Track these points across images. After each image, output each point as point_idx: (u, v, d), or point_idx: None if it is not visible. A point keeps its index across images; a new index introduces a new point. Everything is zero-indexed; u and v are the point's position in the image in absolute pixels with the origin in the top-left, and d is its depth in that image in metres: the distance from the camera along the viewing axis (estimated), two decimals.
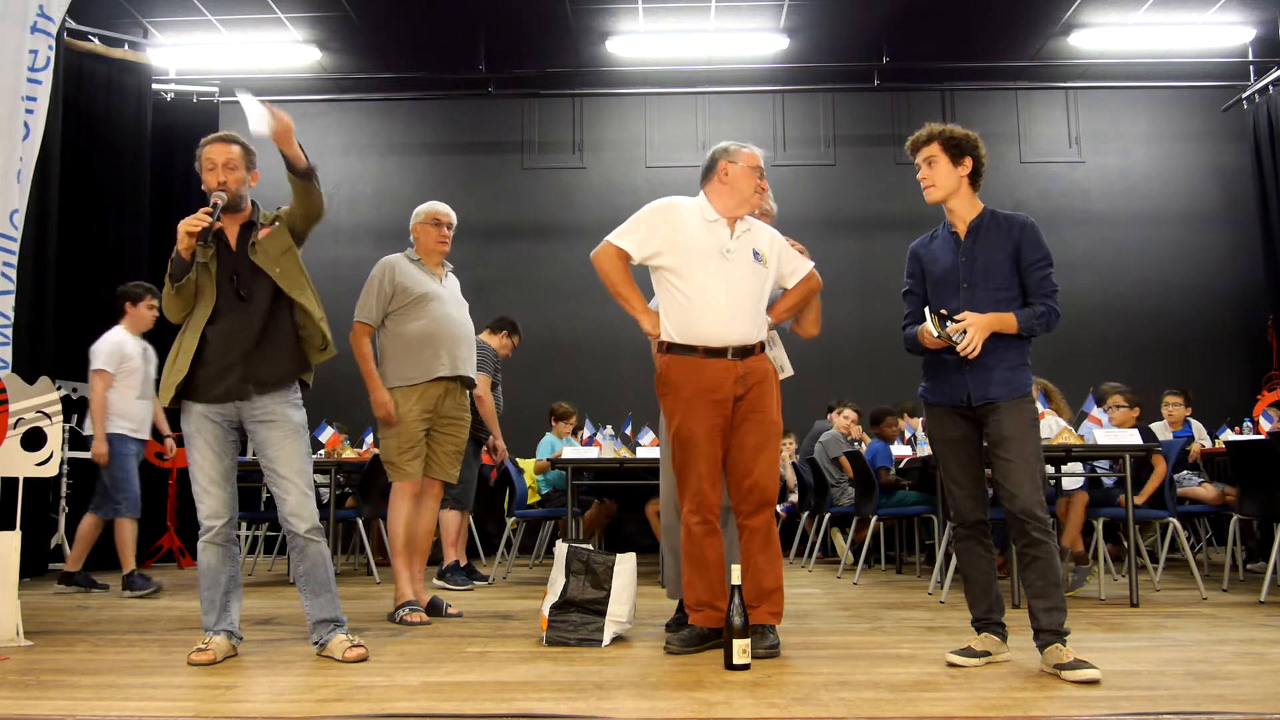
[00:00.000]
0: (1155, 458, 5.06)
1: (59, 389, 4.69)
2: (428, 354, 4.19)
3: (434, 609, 4.24)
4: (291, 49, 8.28)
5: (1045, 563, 2.91)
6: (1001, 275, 3.03)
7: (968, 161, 3.09)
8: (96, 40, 7.12)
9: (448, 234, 4.44)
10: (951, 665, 2.98)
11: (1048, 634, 2.90)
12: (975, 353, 2.92)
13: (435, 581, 5.50)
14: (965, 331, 2.92)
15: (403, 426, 4.16)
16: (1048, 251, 3.06)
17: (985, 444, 3.09)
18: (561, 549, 3.68)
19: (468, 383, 4.37)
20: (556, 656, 3.24)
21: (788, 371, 3.67)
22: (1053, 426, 4.79)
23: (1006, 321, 2.97)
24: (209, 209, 3.17)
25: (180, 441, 3.74)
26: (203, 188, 3.31)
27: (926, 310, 3.03)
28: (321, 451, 6.16)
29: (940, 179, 3.11)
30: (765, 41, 8.24)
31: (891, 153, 9.05)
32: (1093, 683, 2.70)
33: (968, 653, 3.02)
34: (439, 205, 4.48)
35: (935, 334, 2.95)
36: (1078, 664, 2.77)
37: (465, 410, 4.36)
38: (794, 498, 7.80)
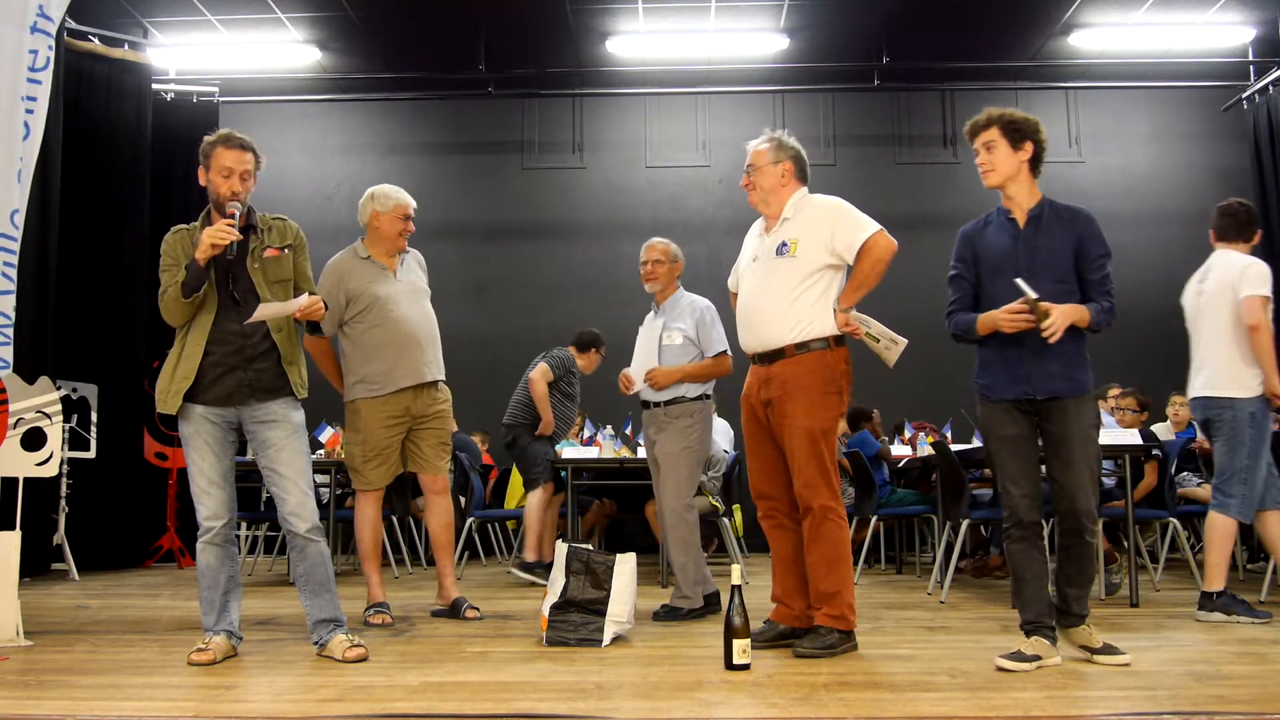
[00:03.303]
0: (1149, 465, 5.06)
1: (59, 389, 4.68)
2: (387, 364, 4.06)
3: (455, 609, 4.21)
4: (291, 49, 8.28)
5: (1090, 558, 3.03)
6: (1063, 268, 3.01)
7: (1028, 146, 3.05)
8: (96, 40, 7.12)
9: (410, 227, 4.28)
10: (1001, 670, 2.90)
11: (1076, 617, 3.04)
12: (1057, 337, 2.89)
13: (518, 574, 5.60)
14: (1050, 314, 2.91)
15: (366, 435, 4.08)
16: (1109, 249, 3.06)
17: (1041, 440, 3.06)
18: (561, 549, 3.68)
19: (439, 380, 4.26)
20: (556, 656, 3.24)
21: (889, 349, 3.35)
22: None
23: (1080, 314, 2.95)
24: (230, 220, 3.15)
25: None
26: (204, 183, 3.28)
27: (1021, 282, 2.92)
28: (321, 451, 6.16)
29: (999, 164, 3.06)
30: (765, 41, 8.24)
31: (891, 152, 9.05)
32: (1126, 666, 2.92)
33: (1018, 657, 2.93)
34: (403, 194, 4.29)
35: (1034, 298, 2.89)
36: (1109, 649, 2.95)
37: (444, 403, 4.26)
38: None
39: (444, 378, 4.30)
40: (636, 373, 4.31)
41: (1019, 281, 2.93)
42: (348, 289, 4.12)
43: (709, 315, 4.33)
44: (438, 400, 4.24)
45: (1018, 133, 3.04)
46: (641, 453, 5.80)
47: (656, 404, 4.28)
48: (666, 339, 4.29)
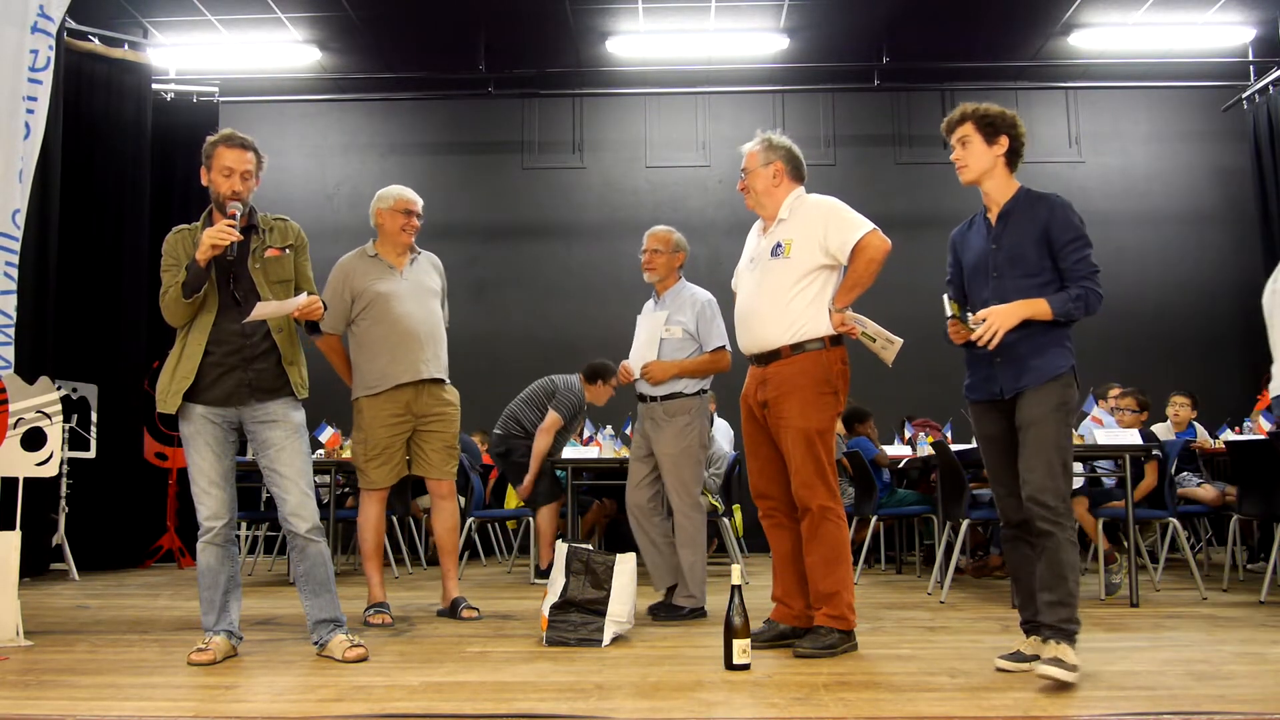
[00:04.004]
0: (1149, 465, 5.05)
1: (59, 389, 4.68)
2: (385, 360, 4.07)
3: (453, 609, 4.21)
4: (291, 49, 8.27)
5: (1052, 554, 2.77)
6: (1030, 261, 2.90)
7: (1003, 140, 2.97)
8: (96, 40, 7.12)
9: (415, 223, 4.23)
10: (1001, 670, 2.89)
11: (1049, 629, 2.76)
12: (994, 344, 2.82)
13: (541, 583, 5.62)
14: (984, 321, 2.83)
15: (368, 434, 4.10)
16: (1081, 231, 2.88)
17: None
18: (561, 549, 3.68)
19: (441, 380, 4.23)
20: (556, 656, 3.24)
21: (886, 349, 3.37)
22: None
23: (1038, 308, 2.83)
24: (230, 222, 3.15)
25: None
26: (206, 183, 3.28)
27: (945, 298, 2.93)
28: (321, 451, 6.16)
29: (973, 159, 2.99)
30: (765, 41, 8.23)
31: (891, 153, 9.05)
32: (1058, 684, 2.61)
33: (1016, 657, 2.91)
34: (405, 191, 4.27)
35: (948, 315, 2.87)
36: (1055, 661, 2.65)
37: (448, 404, 4.24)
38: None
39: (445, 377, 4.27)
40: (635, 364, 4.29)
41: (944, 298, 2.95)
42: (353, 287, 4.14)
43: (710, 309, 4.28)
44: (442, 401, 4.21)
45: (991, 127, 2.97)
46: None
47: (653, 399, 4.24)
48: (666, 332, 4.24)
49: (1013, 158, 3.01)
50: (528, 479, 5.80)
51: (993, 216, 3.02)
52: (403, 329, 4.10)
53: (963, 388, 3.11)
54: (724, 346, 4.24)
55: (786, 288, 3.33)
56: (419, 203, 4.29)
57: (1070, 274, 2.87)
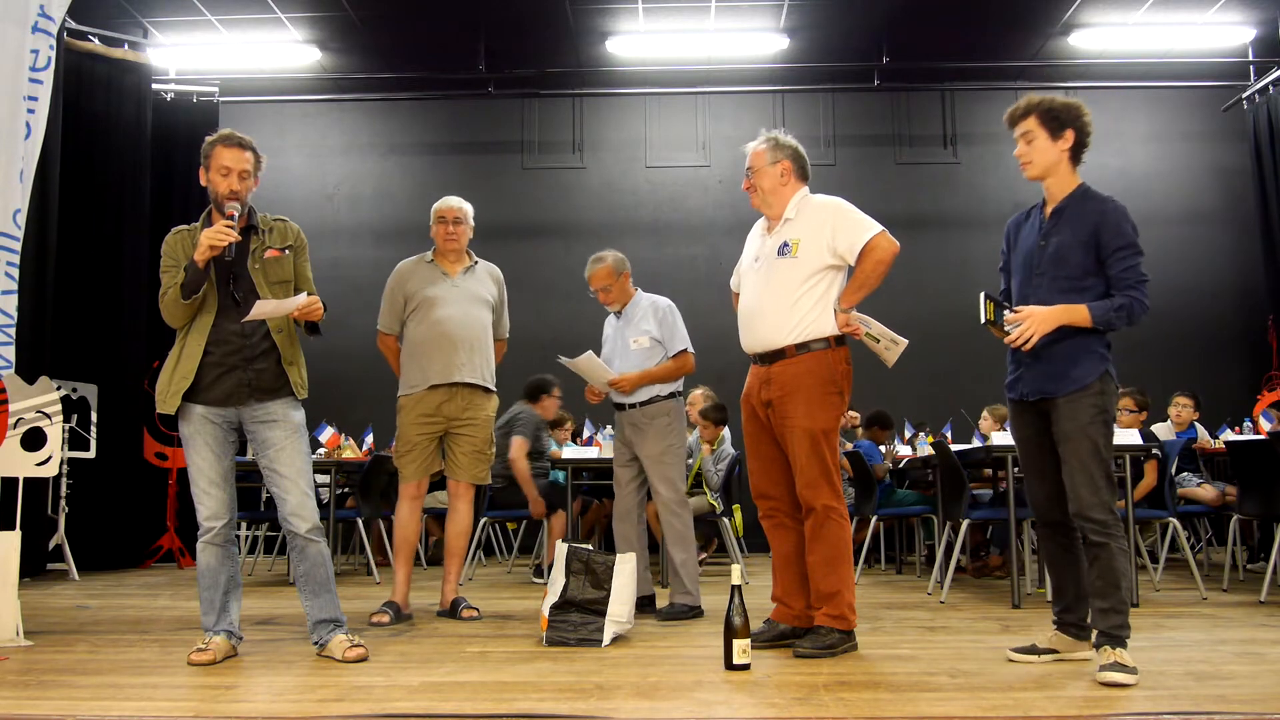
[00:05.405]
0: (1149, 465, 5.05)
1: (59, 389, 4.69)
2: (423, 361, 4.19)
3: (453, 609, 4.25)
4: (291, 49, 8.28)
5: (1104, 564, 2.79)
6: (1074, 264, 2.85)
7: (1069, 134, 2.89)
8: (96, 40, 7.12)
9: (453, 229, 4.37)
10: (1011, 661, 2.92)
11: (1101, 636, 2.80)
12: (1028, 346, 2.81)
13: (537, 580, 5.83)
14: (1019, 324, 2.81)
15: (401, 430, 4.25)
16: (1132, 239, 2.82)
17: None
18: (561, 549, 3.68)
19: (477, 386, 4.28)
20: (556, 656, 3.24)
21: (889, 350, 3.38)
22: None
23: (1077, 314, 2.81)
24: (229, 223, 3.15)
25: None
26: (204, 183, 3.28)
27: (982, 295, 2.88)
28: (321, 451, 6.16)
29: (1038, 156, 2.91)
30: (765, 41, 8.24)
31: (891, 152, 9.05)
32: (1116, 686, 2.65)
33: (1029, 650, 2.94)
34: (443, 200, 4.44)
35: (982, 320, 2.84)
36: (1116, 667, 2.69)
37: (480, 410, 4.28)
38: None
39: (487, 384, 4.31)
40: (600, 381, 4.37)
41: (981, 296, 2.90)
42: (405, 290, 4.29)
43: (671, 315, 4.43)
44: (475, 406, 4.26)
45: (1056, 121, 2.88)
46: None
47: (632, 405, 4.36)
48: (634, 344, 4.39)
49: (1078, 151, 2.93)
50: (532, 501, 5.90)
51: (1048, 211, 2.97)
52: (441, 332, 4.20)
53: (1004, 384, 3.10)
54: (687, 349, 4.36)
55: (793, 287, 3.33)
56: (455, 209, 4.41)
57: (1117, 282, 2.83)
